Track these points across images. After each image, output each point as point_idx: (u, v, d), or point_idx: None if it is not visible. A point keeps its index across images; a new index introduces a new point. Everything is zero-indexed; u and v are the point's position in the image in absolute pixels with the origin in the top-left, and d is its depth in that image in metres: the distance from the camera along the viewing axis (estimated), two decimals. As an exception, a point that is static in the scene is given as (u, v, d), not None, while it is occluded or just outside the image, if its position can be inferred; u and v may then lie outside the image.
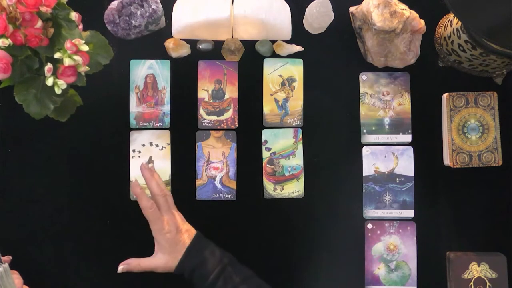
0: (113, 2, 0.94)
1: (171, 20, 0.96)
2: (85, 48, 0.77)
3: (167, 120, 0.96)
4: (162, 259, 0.84)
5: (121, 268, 0.85)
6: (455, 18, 0.89)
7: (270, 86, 0.97)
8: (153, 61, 0.97)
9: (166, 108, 0.96)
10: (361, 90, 0.97)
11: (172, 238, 0.84)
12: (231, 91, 0.97)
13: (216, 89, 0.97)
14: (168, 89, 0.96)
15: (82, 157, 0.95)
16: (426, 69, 0.97)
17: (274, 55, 0.97)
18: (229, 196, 0.96)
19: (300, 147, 0.96)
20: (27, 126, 0.93)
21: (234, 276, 0.83)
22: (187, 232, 0.86)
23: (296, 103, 0.97)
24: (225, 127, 0.96)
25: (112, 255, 0.90)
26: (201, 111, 0.96)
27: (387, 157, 0.96)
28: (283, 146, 0.96)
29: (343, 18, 0.97)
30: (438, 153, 0.96)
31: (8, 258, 0.86)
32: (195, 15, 0.92)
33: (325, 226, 0.95)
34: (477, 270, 0.91)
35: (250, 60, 0.97)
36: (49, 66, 0.75)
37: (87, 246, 0.94)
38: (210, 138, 0.96)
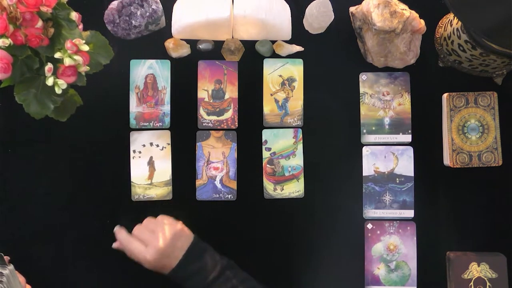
0: (113, 2, 0.94)
1: (171, 20, 0.96)
2: (85, 48, 0.77)
3: (167, 120, 0.96)
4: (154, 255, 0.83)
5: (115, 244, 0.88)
6: (455, 18, 0.89)
7: (270, 86, 0.97)
8: (153, 61, 0.97)
9: (166, 108, 0.96)
10: (361, 90, 0.97)
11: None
12: (231, 91, 0.97)
13: (216, 89, 0.97)
14: (168, 89, 0.96)
15: (82, 157, 0.95)
16: (426, 69, 0.97)
17: (274, 55, 0.97)
18: (229, 196, 0.96)
19: (300, 147, 0.96)
20: (27, 126, 0.93)
21: (232, 278, 0.82)
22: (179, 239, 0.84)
23: (296, 103, 0.97)
24: (225, 127, 0.96)
25: (112, 255, 0.90)
26: (201, 111, 0.96)
27: (387, 157, 0.96)
28: (283, 146, 0.96)
29: (343, 18, 0.97)
30: (438, 153, 0.96)
31: (6, 258, 0.85)
32: (195, 15, 0.92)
33: (325, 226, 0.95)
34: (477, 270, 0.91)
35: (250, 60, 0.97)
36: (49, 66, 0.75)
37: (87, 246, 0.94)
38: (210, 138, 0.96)
